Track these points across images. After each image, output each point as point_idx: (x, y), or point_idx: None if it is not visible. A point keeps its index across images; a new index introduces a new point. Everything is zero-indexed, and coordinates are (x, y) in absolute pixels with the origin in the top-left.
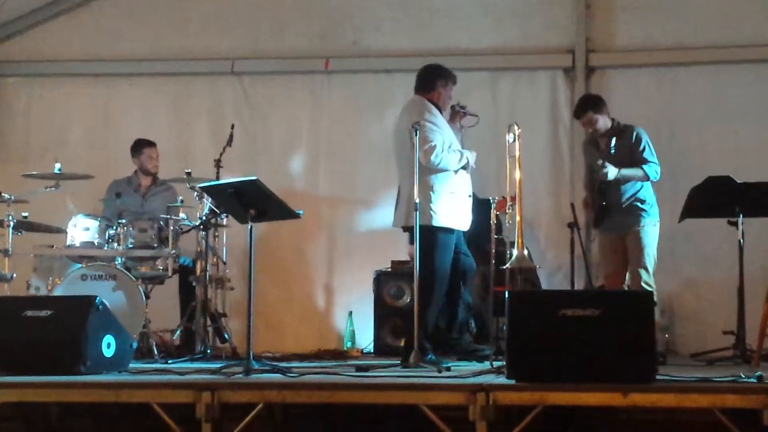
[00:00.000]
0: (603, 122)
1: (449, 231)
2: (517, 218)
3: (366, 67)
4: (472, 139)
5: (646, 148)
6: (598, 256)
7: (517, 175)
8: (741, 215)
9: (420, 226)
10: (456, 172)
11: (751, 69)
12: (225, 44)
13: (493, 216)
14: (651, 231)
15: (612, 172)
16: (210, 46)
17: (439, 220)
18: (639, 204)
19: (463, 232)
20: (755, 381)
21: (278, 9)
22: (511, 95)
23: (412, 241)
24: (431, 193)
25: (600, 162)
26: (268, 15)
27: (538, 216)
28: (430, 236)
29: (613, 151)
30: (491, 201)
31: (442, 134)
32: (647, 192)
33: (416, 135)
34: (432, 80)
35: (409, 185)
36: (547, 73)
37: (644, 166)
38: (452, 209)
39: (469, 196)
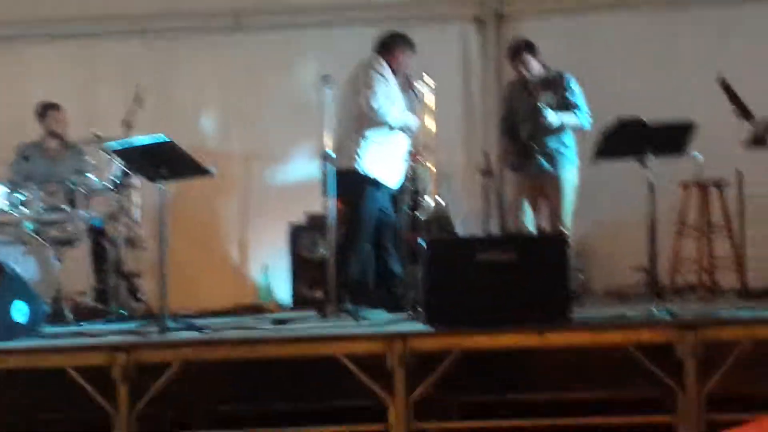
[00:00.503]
0: (537, 66)
1: (374, 183)
2: (433, 169)
3: (276, 23)
4: None
5: (577, 94)
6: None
7: (431, 125)
8: (652, 156)
9: (345, 170)
10: (392, 129)
11: (654, 11)
12: (131, 2)
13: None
14: (571, 176)
15: (553, 117)
16: (115, 4)
17: (365, 166)
18: (561, 149)
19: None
20: (668, 315)
21: None
22: (419, 48)
23: (326, 193)
24: (361, 139)
25: (542, 105)
26: None
27: (451, 164)
28: (355, 184)
29: (549, 102)
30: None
31: (388, 88)
32: (568, 137)
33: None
34: (392, 44)
35: (343, 132)
36: (455, 24)
37: (577, 112)
38: (380, 160)
39: (405, 160)
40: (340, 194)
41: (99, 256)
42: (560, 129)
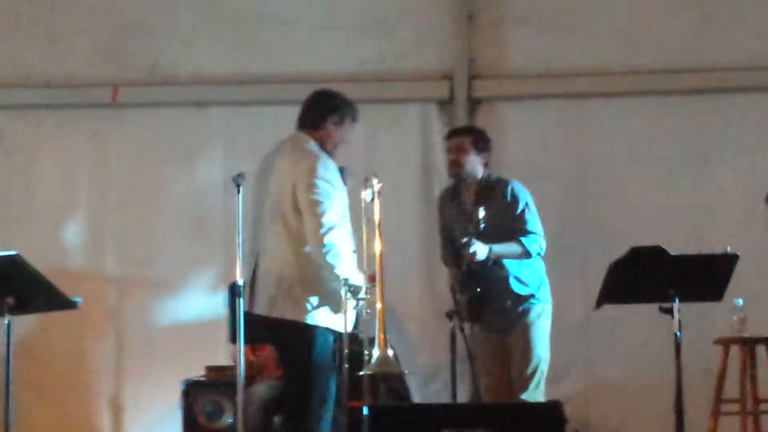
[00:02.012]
0: (473, 164)
1: (329, 332)
2: (378, 305)
3: (170, 99)
4: None
5: (526, 210)
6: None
7: (378, 246)
8: (677, 299)
9: (287, 321)
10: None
11: (685, 100)
12: None
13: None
14: (540, 324)
15: (482, 251)
16: None
17: (317, 318)
18: (520, 286)
19: None
20: None
21: (48, 19)
22: (367, 137)
23: (234, 340)
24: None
25: (465, 240)
26: (36, 27)
27: (407, 302)
28: (303, 335)
29: (482, 225)
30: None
31: (339, 200)
32: (531, 265)
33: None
34: (321, 113)
35: (279, 259)
36: (416, 106)
37: (523, 239)
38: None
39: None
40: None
41: None
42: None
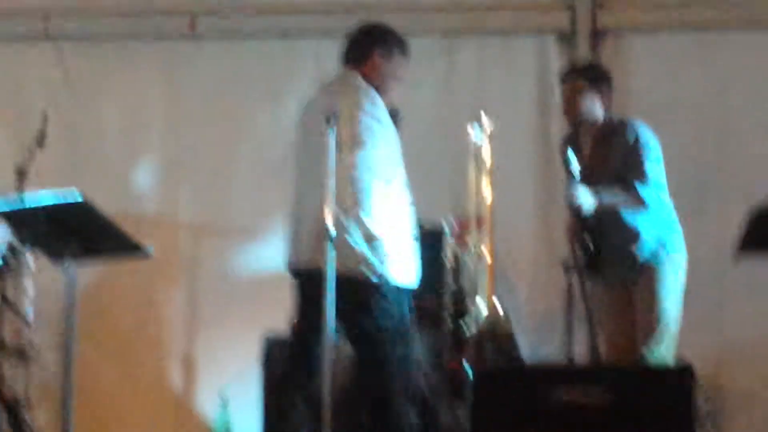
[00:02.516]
0: (590, 106)
1: (399, 291)
2: (488, 259)
3: (253, 29)
4: (419, 135)
5: (649, 154)
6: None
7: (487, 190)
8: None
9: (345, 278)
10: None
11: None
12: None
13: (448, 252)
14: (670, 281)
15: (588, 201)
16: None
17: (389, 269)
18: (649, 239)
19: None
20: None
21: None
22: (477, 72)
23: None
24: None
25: (571, 192)
26: None
27: (518, 252)
28: (363, 294)
29: (575, 169)
30: (444, 228)
31: (386, 140)
32: (661, 216)
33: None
34: (367, 46)
35: (318, 201)
36: (532, 39)
37: (638, 186)
38: (400, 251)
39: (416, 238)
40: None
41: None
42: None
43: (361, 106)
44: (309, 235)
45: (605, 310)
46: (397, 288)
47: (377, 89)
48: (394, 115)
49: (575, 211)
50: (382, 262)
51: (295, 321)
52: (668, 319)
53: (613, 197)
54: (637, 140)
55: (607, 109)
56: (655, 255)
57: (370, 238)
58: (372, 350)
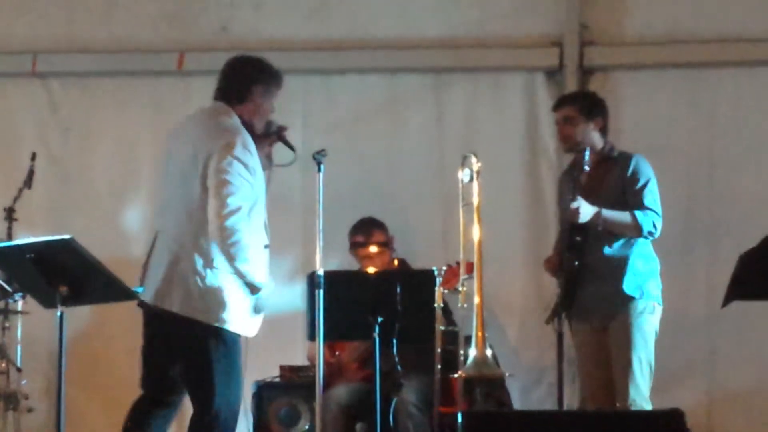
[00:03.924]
0: (585, 133)
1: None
2: (476, 299)
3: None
4: (408, 173)
5: (647, 186)
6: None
7: (476, 232)
8: None
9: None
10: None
11: None
12: (22, 29)
13: (438, 296)
14: (646, 320)
15: (586, 211)
16: (0, 34)
17: (229, 318)
18: (626, 275)
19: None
20: None
21: None
22: (466, 110)
23: (312, 337)
24: (209, 269)
25: (569, 197)
26: None
27: (508, 295)
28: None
29: (586, 168)
30: (435, 273)
31: (253, 190)
32: (644, 252)
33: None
34: (247, 84)
35: (188, 237)
36: (521, 76)
37: (636, 212)
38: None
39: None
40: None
41: None
42: (605, 236)
43: (234, 153)
44: (158, 273)
45: (585, 353)
46: (233, 335)
47: (252, 127)
48: (270, 128)
49: (569, 219)
50: (223, 310)
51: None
52: (640, 364)
53: (613, 215)
54: (636, 172)
55: (604, 133)
56: (634, 299)
57: (213, 285)
58: (204, 392)
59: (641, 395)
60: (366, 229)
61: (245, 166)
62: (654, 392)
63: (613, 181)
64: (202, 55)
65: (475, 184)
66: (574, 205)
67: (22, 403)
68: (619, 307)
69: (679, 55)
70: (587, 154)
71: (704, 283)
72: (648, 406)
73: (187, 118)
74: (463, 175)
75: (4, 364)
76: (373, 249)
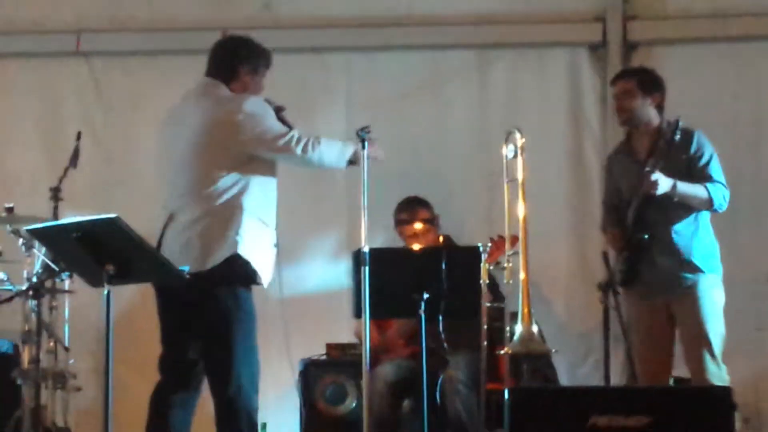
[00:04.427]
0: (642, 108)
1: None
2: (522, 275)
3: (284, 44)
4: (452, 150)
5: (711, 161)
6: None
7: (521, 208)
8: None
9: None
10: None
11: None
12: (66, 9)
13: (483, 271)
14: (714, 294)
15: (665, 182)
16: (45, 14)
17: (247, 252)
18: (695, 249)
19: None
20: None
21: None
22: (509, 86)
23: (358, 314)
24: (242, 215)
25: (648, 168)
26: None
27: (553, 271)
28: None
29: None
30: (480, 249)
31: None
32: (707, 227)
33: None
34: (233, 63)
35: (203, 206)
36: (563, 51)
37: (708, 185)
38: (264, 251)
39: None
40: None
41: (7, 397)
42: (674, 210)
43: (248, 101)
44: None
45: (640, 328)
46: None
47: None
48: (278, 111)
49: (645, 190)
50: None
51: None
52: (717, 338)
53: (688, 188)
54: (699, 149)
55: (661, 110)
56: (704, 273)
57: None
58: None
59: (721, 368)
60: (411, 207)
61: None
62: None
63: (677, 156)
64: (244, 33)
65: (519, 159)
66: (653, 177)
67: (70, 382)
68: (688, 281)
69: (722, 28)
70: (680, 124)
71: (750, 259)
72: (727, 379)
73: (183, 99)
74: (508, 151)
75: (51, 344)
76: (418, 226)
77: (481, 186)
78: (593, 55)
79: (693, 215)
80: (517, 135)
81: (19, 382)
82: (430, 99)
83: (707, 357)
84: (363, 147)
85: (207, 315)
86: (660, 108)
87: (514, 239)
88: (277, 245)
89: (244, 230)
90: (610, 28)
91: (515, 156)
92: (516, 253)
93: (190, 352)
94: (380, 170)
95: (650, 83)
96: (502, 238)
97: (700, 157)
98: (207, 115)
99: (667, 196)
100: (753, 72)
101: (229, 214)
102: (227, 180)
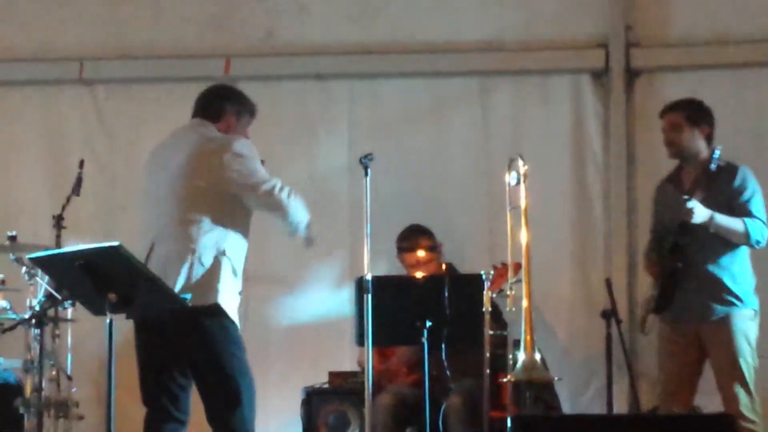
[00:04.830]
0: (690, 141)
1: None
2: (524, 302)
3: (287, 71)
4: (454, 177)
5: (754, 197)
6: (653, 360)
7: (524, 235)
8: None
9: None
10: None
11: None
12: (69, 37)
13: (486, 299)
14: (747, 327)
15: (701, 212)
16: (48, 41)
17: (224, 301)
18: (729, 281)
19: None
20: None
21: None
22: (512, 113)
23: (361, 342)
24: (222, 257)
25: (685, 197)
26: None
27: (556, 298)
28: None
29: (713, 166)
30: (483, 276)
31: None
32: (745, 261)
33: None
34: (219, 104)
35: (181, 244)
36: (566, 78)
37: (747, 220)
38: (234, 296)
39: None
40: None
41: (9, 426)
42: (710, 241)
43: (236, 142)
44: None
45: (670, 352)
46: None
47: None
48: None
49: (685, 216)
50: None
51: None
52: (749, 370)
53: (725, 221)
54: (743, 184)
55: (710, 141)
56: (731, 309)
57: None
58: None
59: (755, 401)
60: (412, 236)
61: (252, 156)
62: None
63: (719, 189)
64: (247, 60)
65: (522, 186)
66: (689, 204)
67: (72, 411)
68: (720, 313)
69: (725, 55)
70: (717, 153)
71: None
72: (761, 412)
73: (171, 135)
74: (510, 178)
75: (54, 372)
76: (420, 254)
77: (483, 213)
78: (596, 81)
79: (730, 248)
80: (520, 162)
81: (21, 411)
82: (432, 126)
83: (739, 389)
84: (366, 174)
85: (199, 344)
86: (709, 139)
87: (517, 266)
88: (240, 293)
89: (223, 282)
90: (612, 54)
91: (518, 183)
92: (519, 281)
93: (176, 384)
94: (382, 197)
95: (698, 115)
96: (504, 265)
97: (743, 192)
98: (195, 149)
99: (704, 227)
100: (754, 98)
101: (208, 258)
102: (207, 223)
